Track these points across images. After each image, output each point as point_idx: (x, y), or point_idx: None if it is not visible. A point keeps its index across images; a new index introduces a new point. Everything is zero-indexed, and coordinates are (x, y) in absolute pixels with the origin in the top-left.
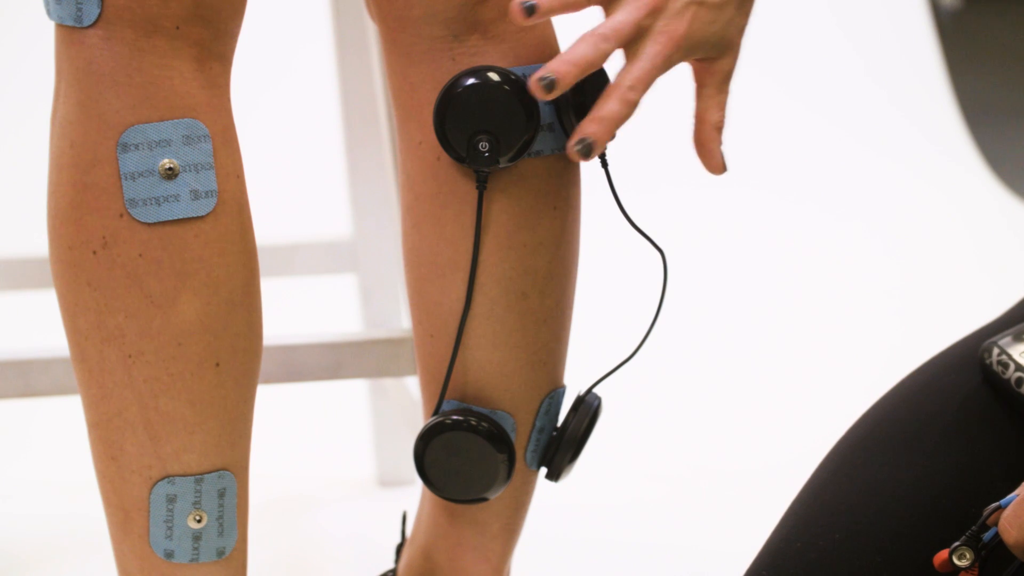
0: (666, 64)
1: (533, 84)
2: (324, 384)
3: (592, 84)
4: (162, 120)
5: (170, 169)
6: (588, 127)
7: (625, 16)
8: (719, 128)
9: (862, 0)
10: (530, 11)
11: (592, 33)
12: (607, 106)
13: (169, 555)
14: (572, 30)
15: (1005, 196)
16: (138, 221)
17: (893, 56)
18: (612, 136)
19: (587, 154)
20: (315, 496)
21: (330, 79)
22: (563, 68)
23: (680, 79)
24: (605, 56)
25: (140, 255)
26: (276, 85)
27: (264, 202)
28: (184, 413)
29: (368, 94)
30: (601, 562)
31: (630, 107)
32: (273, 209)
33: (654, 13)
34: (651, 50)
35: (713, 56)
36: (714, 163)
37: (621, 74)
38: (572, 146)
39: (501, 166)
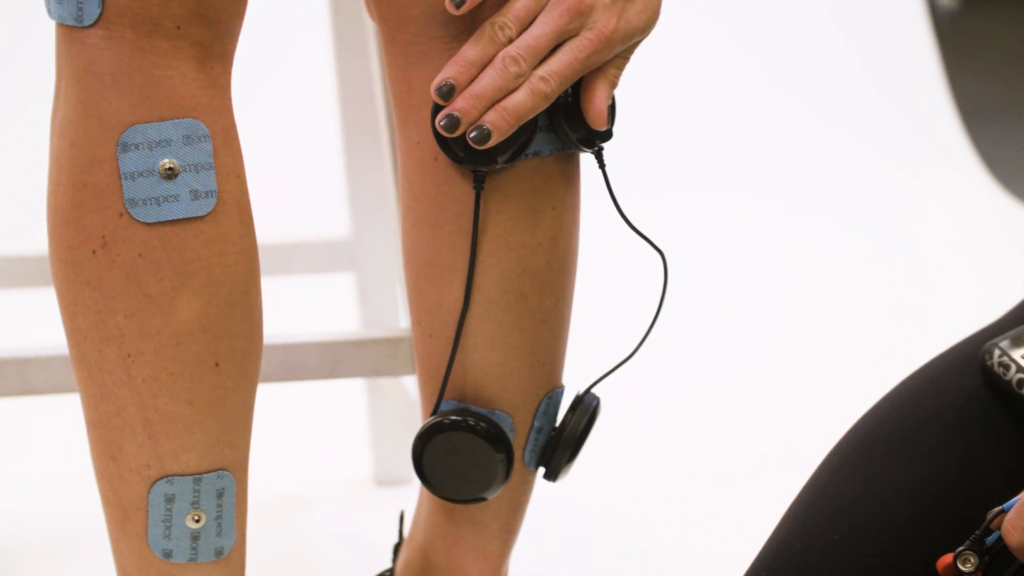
0: (589, 61)
1: (436, 125)
2: (321, 383)
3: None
4: (162, 120)
5: (170, 169)
6: (464, 103)
7: (542, 28)
8: (613, 86)
9: (859, 1)
10: (458, 3)
11: (502, 55)
12: (514, 96)
13: (167, 555)
14: None
15: (1002, 198)
16: (138, 221)
17: (890, 57)
18: (512, 128)
19: (450, 130)
20: (312, 495)
21: (328, 78)
22: (466, 105)
23: (680, 80)
24: (517, 81)
25: (140, 255)
26: (274, 84)
27: (262, 201)
28: (183, 413)
29: (366, 93)
30: (599, 562)
31: (540, 99)
32: (271, 208)
33: (580, 15)
34: (576, 44)
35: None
36: (600, 119)
37: (540, 63)
38: (438, 120)
39: (499, 166)
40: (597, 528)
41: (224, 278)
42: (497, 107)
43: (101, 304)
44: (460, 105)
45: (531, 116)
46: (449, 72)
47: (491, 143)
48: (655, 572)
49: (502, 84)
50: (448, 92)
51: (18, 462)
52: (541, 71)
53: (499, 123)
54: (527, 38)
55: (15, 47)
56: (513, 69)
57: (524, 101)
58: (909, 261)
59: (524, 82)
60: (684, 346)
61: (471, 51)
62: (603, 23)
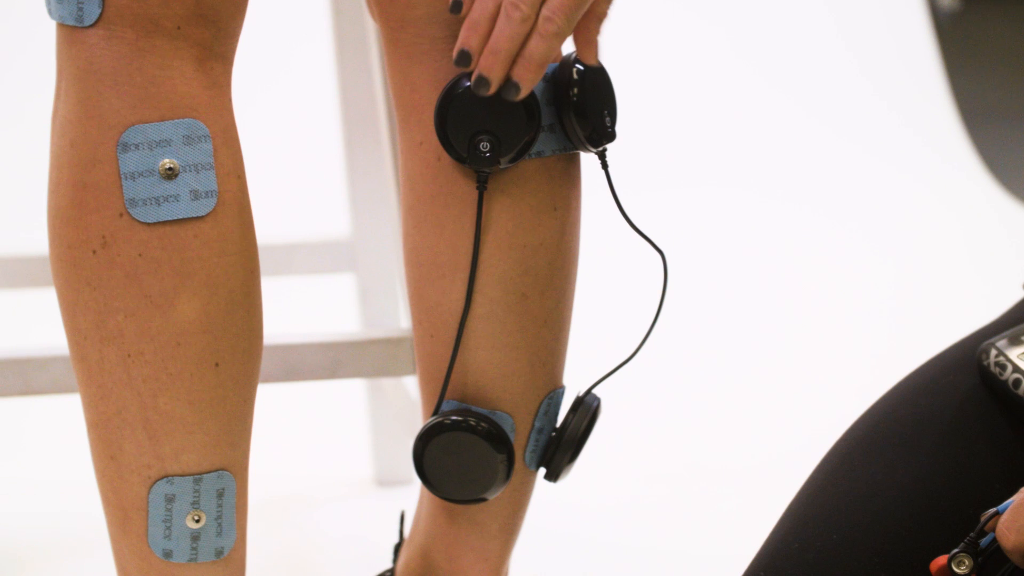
0: None
1: (473, 87)
2: (322, 384)
3: (592, 81)
4: (162, 120)
5: (170, 169)
6: (485, 61)
7: None
8: (602, 20)
9: (860, 1)
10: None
11: (504, 5)
12: (528, 44)
13: (167, 555)
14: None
15: (1003, 199)
16: (138, 221)
17: (891, 58)
18: (537, 76)
19: (483, 89)
20: (313, 496)
21: (329, 78)
22: (488, 62)
23: (681, 80)
24: (524, 25)
25: (140, 255)
26: (275, 84)
27: (262, 201)
28: (183, 413)
29: (367, 93)
30: (599, 563)
31: (551, 39)
32: (271, 208)
33: None
34: None
35: None
36: (591, 53)
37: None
38: (471, 81)
39: (502, 167)
40: (597, 529)
41: (224, 278)
42: (519, 59)
43: (101, 304)
44: (484, 64)
45: (550, 58)
46: (461, 39)
47: (522, 95)
48: (654, 572)
49: (511, 32)
50: (465, 57)
51: (18, 462)
52: (544, 11)
53: (524, 74)
54: None
55: (15, 47)
56: (516, 14)
57: (538, 45)
58: (909, 261)
59: (532, 27)
60: (684, 347)
61: (475, 11)
62: None
